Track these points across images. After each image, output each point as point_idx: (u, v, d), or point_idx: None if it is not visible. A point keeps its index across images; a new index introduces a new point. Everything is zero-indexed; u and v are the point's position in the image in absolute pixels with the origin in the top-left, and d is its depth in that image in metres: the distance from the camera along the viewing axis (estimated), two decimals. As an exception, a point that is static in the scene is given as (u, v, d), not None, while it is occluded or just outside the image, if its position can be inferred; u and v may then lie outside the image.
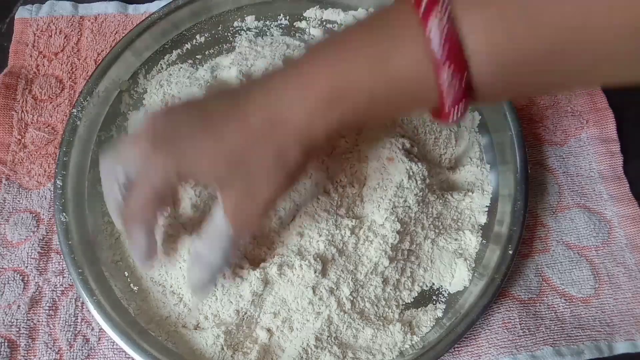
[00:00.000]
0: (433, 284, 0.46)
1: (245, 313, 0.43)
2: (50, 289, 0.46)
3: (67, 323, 0.45)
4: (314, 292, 0.42)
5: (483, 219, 0.48)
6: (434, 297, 0.46)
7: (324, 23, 0.57)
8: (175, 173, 0.35)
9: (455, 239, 0.47)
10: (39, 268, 0.47)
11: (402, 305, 0.45)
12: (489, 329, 0.44)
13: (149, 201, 0.35)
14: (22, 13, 0.58)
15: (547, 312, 0.45)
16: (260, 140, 0.33)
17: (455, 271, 0.46)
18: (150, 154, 0.34)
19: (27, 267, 0.47)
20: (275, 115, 0.32)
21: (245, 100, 0.33)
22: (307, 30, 0.56)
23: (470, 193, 0.48)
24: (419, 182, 0.44)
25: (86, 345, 0.44)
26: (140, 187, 0.35)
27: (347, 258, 0.43)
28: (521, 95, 0.50)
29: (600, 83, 0.42)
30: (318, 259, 0.42)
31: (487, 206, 0.48)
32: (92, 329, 0.44)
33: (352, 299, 0.43)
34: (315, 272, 0.42)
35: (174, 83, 0.52)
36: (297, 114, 0.32)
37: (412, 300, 0.45)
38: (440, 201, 0.47)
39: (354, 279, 0.43)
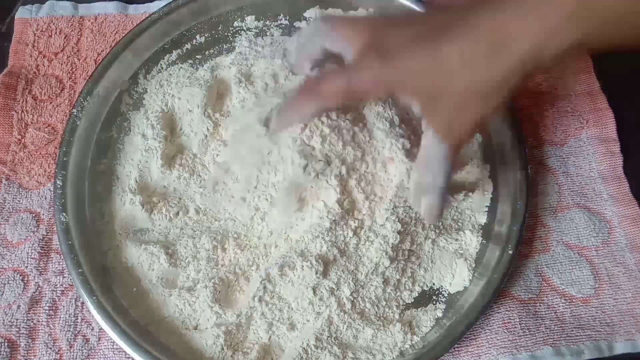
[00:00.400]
0: (433, 284, 0.46)
1: (246, 314, 0.43)
2: (50, 289, 0.46)
3: (67, 323, 0.45)
4: (314, 292, 0.42)
5: (483, 219, 0.48)
6: (434, 297, 0.46)
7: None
8: (383, 83, 0.33)
9: (456, 239, 0.47)
10: (39, 268, 0.47)
11: (403, 305, 0.45)
12: (489, 329, 0.44)
13: (338, 91, 0.34)
14: (22, 13, 0.58)
15: (547, 312, 0.45)
16: (481, 62, 0.30)
17: (455, 271, 0.46)
18: (368, 52, 0.33)
19: (27, 267, 0.47)
20: (504, 29, 0.29)
21: (471, 12, 0.30)
22: (307, 30, 0.56)
23: (470, 193, 0.48)
24: None
25: (86, 345, 0.44)
26: (342, 75, 0.34)
27: (348, 258, 0.43)
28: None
29: None
30: (320, 260, 0.42)
31: (487, 206, 0.48)
32: (92, 329, 0.44)
33: (352, 299, 0.43)
34: (316, 272, 0.42)
35: (174, 83, 0.52)
36: (532, 30, 0.28)
37: (413, 300, 0.45)
38: None
39: (355, 279, 0.43)
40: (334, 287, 0.42)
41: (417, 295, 0.45)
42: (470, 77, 0.31)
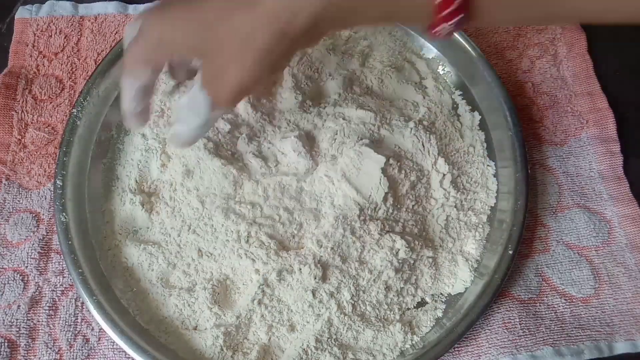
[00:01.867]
0: (437, 289, 0.46)
1: (245, 315, 0.43)
2: (50, 289, 0.46)
3: (67, 323, 0.45)
4: (313, 295, 0.42)
5: (484, 218, 0.48)
6: (434, 297, 0.46)
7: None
8: (160, 43, 0.35)
9: (461, 244, 0.47)
10: (39, 268, 0.47)
11: (405, 309, 0.44)
12: (489, 329, 0.44)
13: (142, 56, 0.36)
14: (22, 13, 0.58)
15: (547, 312, 0.45)
16: (234, 16, 0.32)
17: (457, 273, 0.46)
18: (145, 22, 0.35)
19: (27, 267, 0.47)
20: None
21: None
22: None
23: (474, 193, 0.48)
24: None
25: (86, 345, 0.44)
26: (135, 43, 0.36)
27: (350, 264, 0.43)
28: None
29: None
30: (319, 265, 0.42)
31: (491, 207, 0.48)
32: (92, 329, 0.44)
33: (353, 302, 0.43)
34: (315, 277, 0.42)
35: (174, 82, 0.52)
36: None
37: (416, 305, 0.45)
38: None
39: (356, 284, 0.43)
40: (334, 291, 0.42)
41: (420, 300, 0.45)
42: (223, 28, 0.32)
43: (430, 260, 0.45)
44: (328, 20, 0.32)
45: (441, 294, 0.46)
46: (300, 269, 0.42)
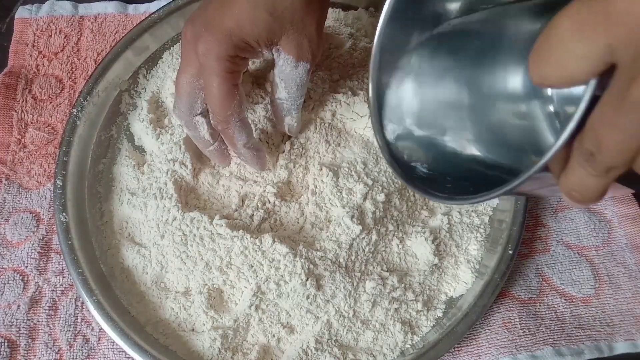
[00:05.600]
0: (440, 291, 0.46)
1: (243, 319, 0.42)
2: (50, 289, 0.46)
3: (67, 323, 0.45)
4: (310, 302, 0.42)
5: (486, 219, 0.48)
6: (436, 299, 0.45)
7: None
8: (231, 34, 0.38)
9: (465, 247, 0.46)
10: (39, 268, 0.47)
11: (406, 312, 0.44)
12: (489, 329, 0.44)
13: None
14: (22, 13, 0.58)
15: (547, 312, 0.45)
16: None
17: (459, 276, 0.46)
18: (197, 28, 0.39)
19: (27, 267, 0.47)
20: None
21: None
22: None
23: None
24: None
25: (86, 345, 0.44)
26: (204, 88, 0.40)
27: (344, 276, 0.42)
28: None
29: None
30: (313, 277, 0.41)
31: (493, 207, 0.48)
32: (92, 329, 0.44)
33: (351, 308, 0.43)
34: (308, 287, 0.41)
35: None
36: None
37: (418, 310, 0.44)
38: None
39: (355, 295, 0.42)
40: (329, 298, 0.42)
41: (422, 306, 0.44)
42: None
43: (433, 266, 0.45)
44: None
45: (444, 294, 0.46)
46: (292, 280, 0.41)
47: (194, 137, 0.44)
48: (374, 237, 0.43)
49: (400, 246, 0.45)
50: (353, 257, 0.43)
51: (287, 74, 0.40)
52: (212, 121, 0.41)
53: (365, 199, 0.43)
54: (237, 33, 0.37)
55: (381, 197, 0.43)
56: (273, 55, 0.40)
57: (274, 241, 0.42)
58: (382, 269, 0.44)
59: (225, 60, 0.38)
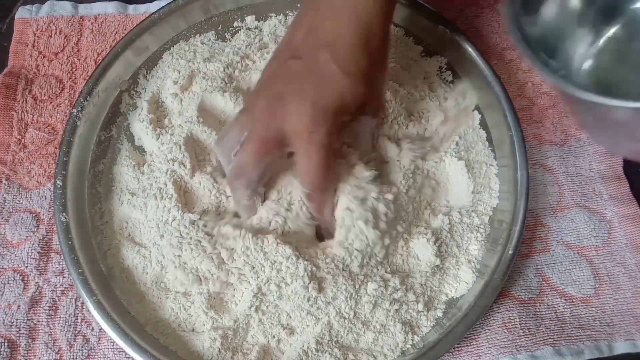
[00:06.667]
0: (441, 292, 0.46)
1: (243, 320, 0.42)
2: (50, 289, 0.46)
3: (67, 323, 0.45)
4: (310, 304, 0.42)
5: (486, 219, 0.48)
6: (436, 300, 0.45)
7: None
8: (274, 129, 0.38)
9: (465, 248, 0.46)
10: (39, 268, 0.47)
11: (407, 313, 0.44)
12: (489, 329, 0.44)
13: (249, 158, 0.40)
14: (22, 13, 0.58)
15: (547, 312, 0.45)
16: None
17: (460, 276, 0.46)
18: (252, 118, 0.40)
19: (27, 267, 0.47)
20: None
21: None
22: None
23: (477, 194, 0.48)
24: None
25: (86, 345, 0.44)
26: (242, 148, 0.40)
27: (346, 280, 0.42)
28: None
29: None
30: (314, 280, 0.41)
31: (493, 207, 0.48)
32: (92, 329, 0.44)
33: (352, 309, 0.42)
34: (309, 289, 0.41)
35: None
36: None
37: (419, 311, 0.44)
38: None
39: (357, 298, 0.42)
40: (330, 300, 0.42)
41: (422, 306, 0.44)
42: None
43: (435, 268, 0.45)
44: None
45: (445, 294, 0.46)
46: (294, 283, 0.41)
47: (238, 200, 0.44)
48: (387, 240, 0.43)
49: (404, 248, 0.45)
50: (365, 263, 0.42)
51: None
52: (305, 191, 0.42)
53: (378, 200, 0.43)
54: (343, 109, 0.38)
55: (390, 197, 0.43)
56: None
57: (277, 242, 0.41)
58: (385, 271, 0.43)
59: (333, 134, 0.38)
